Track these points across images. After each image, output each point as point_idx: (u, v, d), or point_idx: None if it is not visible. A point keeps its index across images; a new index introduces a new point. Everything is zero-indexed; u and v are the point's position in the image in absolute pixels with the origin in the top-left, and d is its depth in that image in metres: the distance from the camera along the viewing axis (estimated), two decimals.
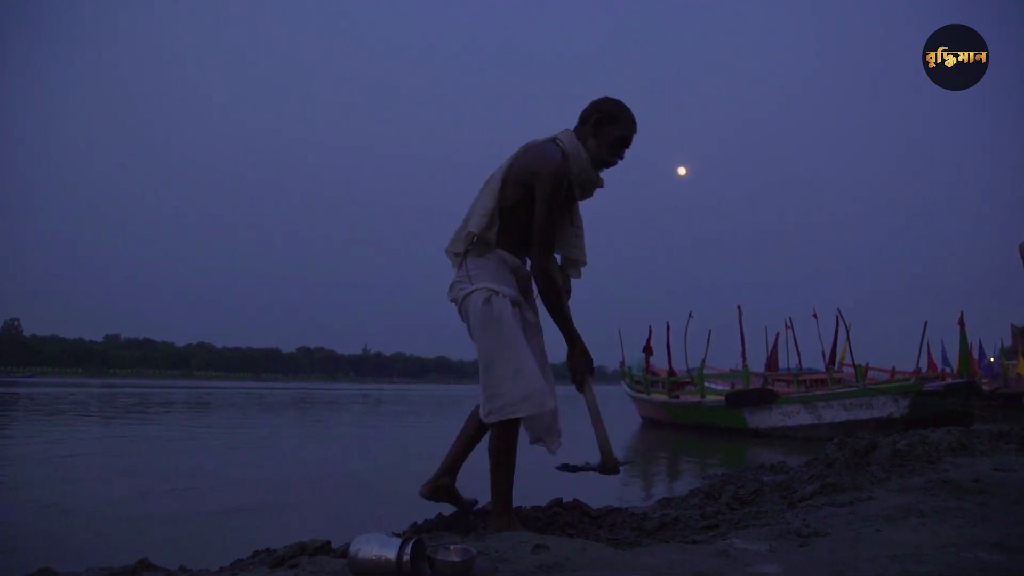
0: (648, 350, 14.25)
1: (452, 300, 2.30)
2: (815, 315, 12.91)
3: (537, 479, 3.12)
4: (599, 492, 3.46)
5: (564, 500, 2.76)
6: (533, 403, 2.07)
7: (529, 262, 2.32)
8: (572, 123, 2.32)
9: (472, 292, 2.17)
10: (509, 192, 2.18)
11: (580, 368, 2.26)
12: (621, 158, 2.28)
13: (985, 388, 15.53)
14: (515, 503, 2.30)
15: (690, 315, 13.65)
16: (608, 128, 2.21)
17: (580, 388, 2.27)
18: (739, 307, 12.92)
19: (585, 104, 2.31)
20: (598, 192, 2.37)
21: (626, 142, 2.26)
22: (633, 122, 2.26)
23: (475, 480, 2.47)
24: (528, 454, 2.47)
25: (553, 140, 2.22)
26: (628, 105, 2.27)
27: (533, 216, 2.15)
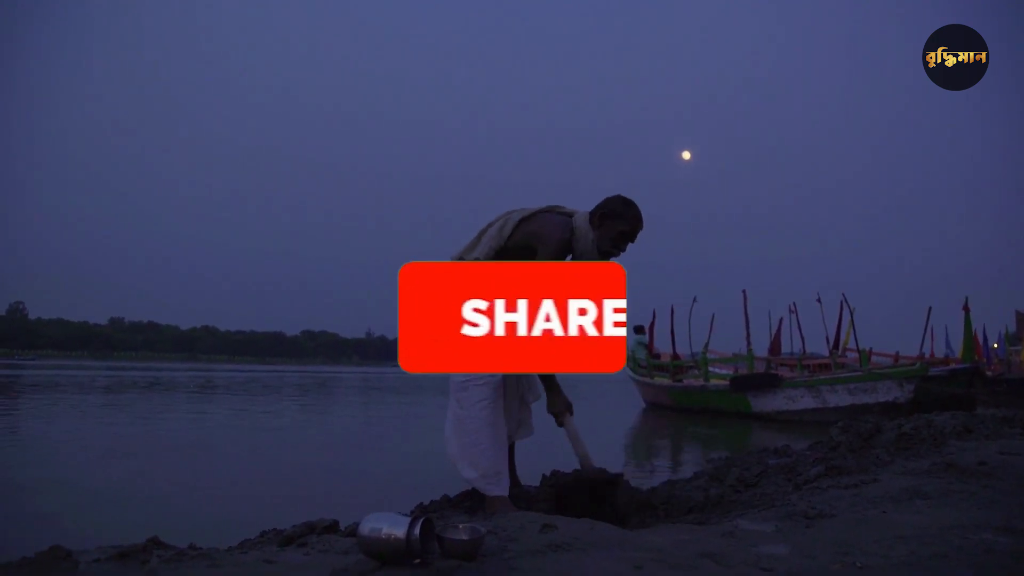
0: (642, 331, 14.14)
1: None
2: (819, 299, 12.89)
3: (537, 457, 3.13)
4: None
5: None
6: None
7: None
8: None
9: None
10: (512, 242, 2.48)
11: (559, 410, 2.51)
12: (623, 250, 2.50)
13: (989, 374, 15.53)
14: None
15: (694, 299, 13.65)
16: (610, 222, 2.45)
17: (560, 424, 2.52)
18: (744, 292, 12.91)
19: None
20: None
21: (628, 236, 2.48)
22: (637, 219, 2.48)
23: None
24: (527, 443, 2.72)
25: (569, 216, 2.50)
26: (636, 202, 2.50)
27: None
